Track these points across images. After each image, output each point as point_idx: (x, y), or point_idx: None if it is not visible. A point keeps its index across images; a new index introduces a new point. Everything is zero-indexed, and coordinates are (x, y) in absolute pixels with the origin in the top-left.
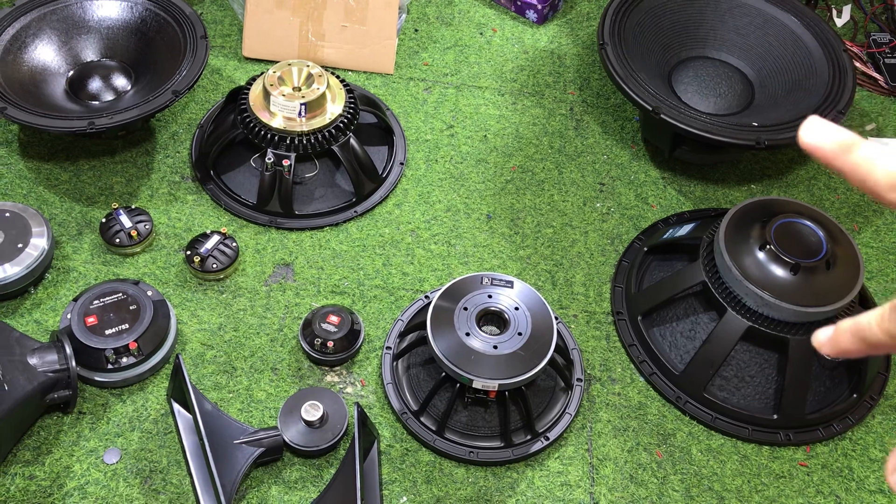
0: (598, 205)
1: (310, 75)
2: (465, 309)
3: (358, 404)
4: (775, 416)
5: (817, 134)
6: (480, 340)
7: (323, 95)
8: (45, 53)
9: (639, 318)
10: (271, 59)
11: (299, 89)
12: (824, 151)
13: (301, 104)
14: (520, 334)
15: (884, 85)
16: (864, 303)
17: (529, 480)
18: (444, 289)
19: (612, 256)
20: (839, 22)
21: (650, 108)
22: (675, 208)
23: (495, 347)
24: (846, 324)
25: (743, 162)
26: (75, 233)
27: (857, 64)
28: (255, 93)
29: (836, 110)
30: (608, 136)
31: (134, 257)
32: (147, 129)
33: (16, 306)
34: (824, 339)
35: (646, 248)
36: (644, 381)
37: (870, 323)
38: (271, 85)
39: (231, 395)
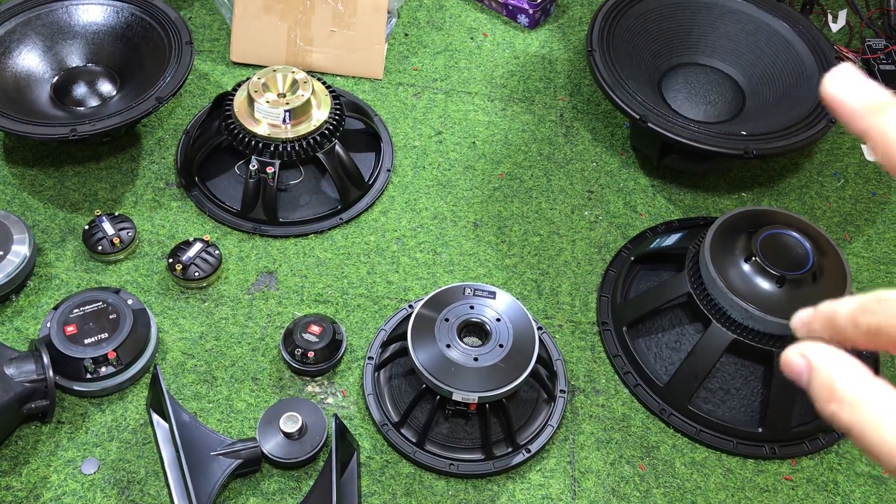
0: (586, 213)
1: (294, 81)
2: (447, 320)
3: (336, 416)
4: (760, 430)
5: (844, 87)
6: (461, 352)
7: (308, 102)
8: (30, 59)
9: (624, 328)
10: (259, 63)
11: (284, 95)
12: (849, 108)
13: (285, 111)
14: (501, 346)
15: None
16: None
17: (510, 493)
18: (425, 299)
19: (599, 265)
20: (835, 27)
21: (637, 117)
22: (664, 217)
23: (476, 359)
24: (826, 306)
25: (733, 170)
26: (58, 240)
27: None
28: (239, 99)
29: (827, 119)
30: (598, 143)
31: (117, 265)
32: (133, 135)
33: None
34: (800, 320)
35: (633, 258)
36: (628, 393)
37: (843, 310)
38: (255, 91)
39: (211, 405)
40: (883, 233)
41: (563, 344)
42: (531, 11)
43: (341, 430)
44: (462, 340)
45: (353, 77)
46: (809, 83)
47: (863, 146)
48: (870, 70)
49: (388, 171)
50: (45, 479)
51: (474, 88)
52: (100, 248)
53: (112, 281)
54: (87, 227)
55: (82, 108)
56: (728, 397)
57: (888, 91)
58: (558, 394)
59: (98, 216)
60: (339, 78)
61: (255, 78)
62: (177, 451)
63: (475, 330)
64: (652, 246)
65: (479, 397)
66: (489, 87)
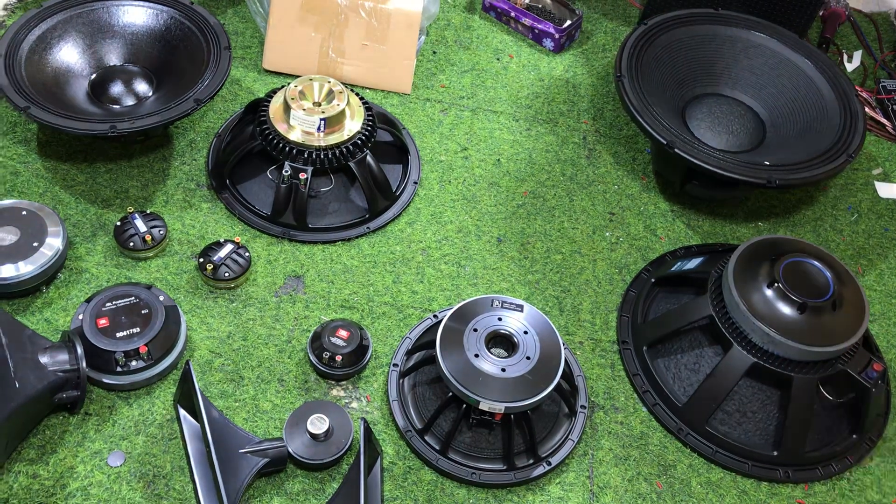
0: (607, 234)
1: (330, 91)
2: (475, 330)
3: (364, 419)
4: (775, 453)
5: None
6: (489, 362)
7: (342, 112)
8: (70, 55)
9: (644, 348)
10: (291, 73)
11: (319, 104)
12: None
13: (321, 119)
14: (528, 358)
15: (892, 130)
16: (868, 345)
17: None
18: (454, 309)
19: (620, 286)
20: (850, 67)
21: (664, 142)
22: (683, 241)
23: (503, 370)
24: None
25: (751, 199)
26: (89, 234)
27: (866, 109)
28: (275, 106)
29: (847, 154)
30: (619, 167)
31: (147, 262)
32: (165, 136)
33: (27, 304)
34: None
35: (653, 280)
36: (647, 412)
37: None
38: (292, 99)
39: (237, 403)
40: (895, 268)
41: (584, 361)
42: (557, 36)
43: (368, 434)
44: (490, 351)
45: (382, 90)
46: (830, 118)
47: (876, 183)
48: (884, 110)
49: (415, 183)
50: (72, 469)
51: (500, 108)
52: (131, 244)
53: (142, 277)
54: (118, 223)
55: (118, 107)
56: (744, 420)
57: None
58: (579, 409)
59: (130, 213)
60: (367, 90)
61: (291, 85)
62: (207, 447)
63: (502, 341)
64: (673, 269)
65: (506, 407)
66: (514, 107)
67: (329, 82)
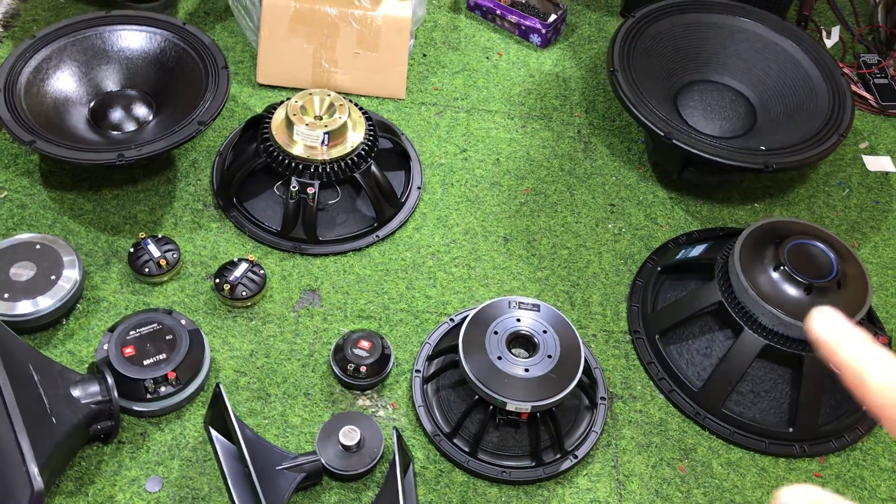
0: (609, 225)
1: (331, 104)
2: (496, 333)
3: (395, 428)
4: (790, 430)
5: (825, 326)
6: (512, 364)
7: (345, 124)
8: (67, 84)
9: (656, 336)
10: (285, 85)
11: (321, 118)
12: (828, 344)
13: (324, 133)
14: (549, 357)
15: (874, 104)
16: (871, 319)
17: (560, 498)
18: (472, 313)
19: (627, 276)
20: (828, 43)
21: (662, 134)
22: (683, 228)
23: (526, 370)
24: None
25: (745, 182)
26: (103, 262)
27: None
28: (276, 122)
29: (838, 133)
30: (616, 158)
31: (163, 286)
32: (168, 158)
33: (49, 337)
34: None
35: (659, 268)
36: (664, 398)
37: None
38: (294, 114)
39: (266, 421)
40: (888, 239)
41: (599, 353)
42: (543, 31)
43: (400, 441)
44: (511, 352)
45: (377, 97)
46: (818, 98)
47: (864, 157)
48: (866, 84)
49: (419, 188)
50: (112, 498)
51: (494, 107)
52: (146, 270)
53: (159, 302)
54: (132, 249)
55: (119, 133)
56: (758, 399)
57: (861, 331)
58: (599, 401)
59: (143, 238)
60: (362, 98)
61: (292, 101)
62: (246, 467)
63: (523, 342)
64: (678, 256)
65: (533, 406)
66: (508, 105)
67: (329, 95)
